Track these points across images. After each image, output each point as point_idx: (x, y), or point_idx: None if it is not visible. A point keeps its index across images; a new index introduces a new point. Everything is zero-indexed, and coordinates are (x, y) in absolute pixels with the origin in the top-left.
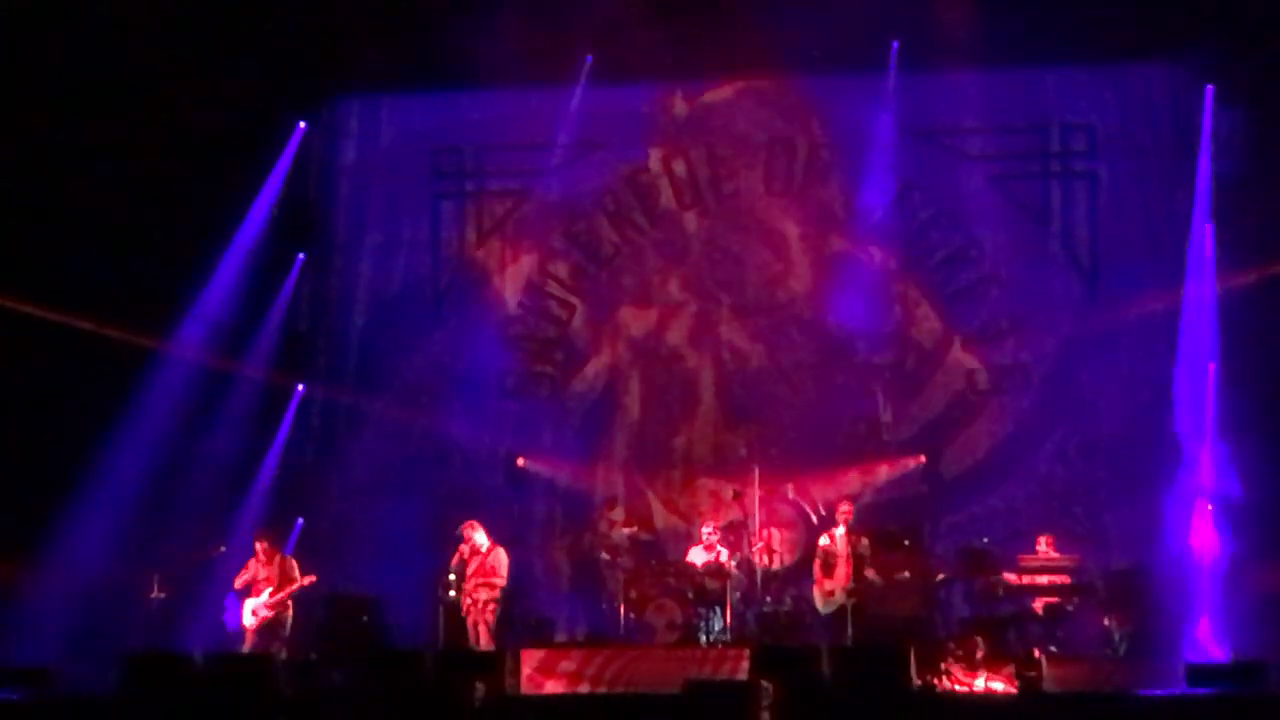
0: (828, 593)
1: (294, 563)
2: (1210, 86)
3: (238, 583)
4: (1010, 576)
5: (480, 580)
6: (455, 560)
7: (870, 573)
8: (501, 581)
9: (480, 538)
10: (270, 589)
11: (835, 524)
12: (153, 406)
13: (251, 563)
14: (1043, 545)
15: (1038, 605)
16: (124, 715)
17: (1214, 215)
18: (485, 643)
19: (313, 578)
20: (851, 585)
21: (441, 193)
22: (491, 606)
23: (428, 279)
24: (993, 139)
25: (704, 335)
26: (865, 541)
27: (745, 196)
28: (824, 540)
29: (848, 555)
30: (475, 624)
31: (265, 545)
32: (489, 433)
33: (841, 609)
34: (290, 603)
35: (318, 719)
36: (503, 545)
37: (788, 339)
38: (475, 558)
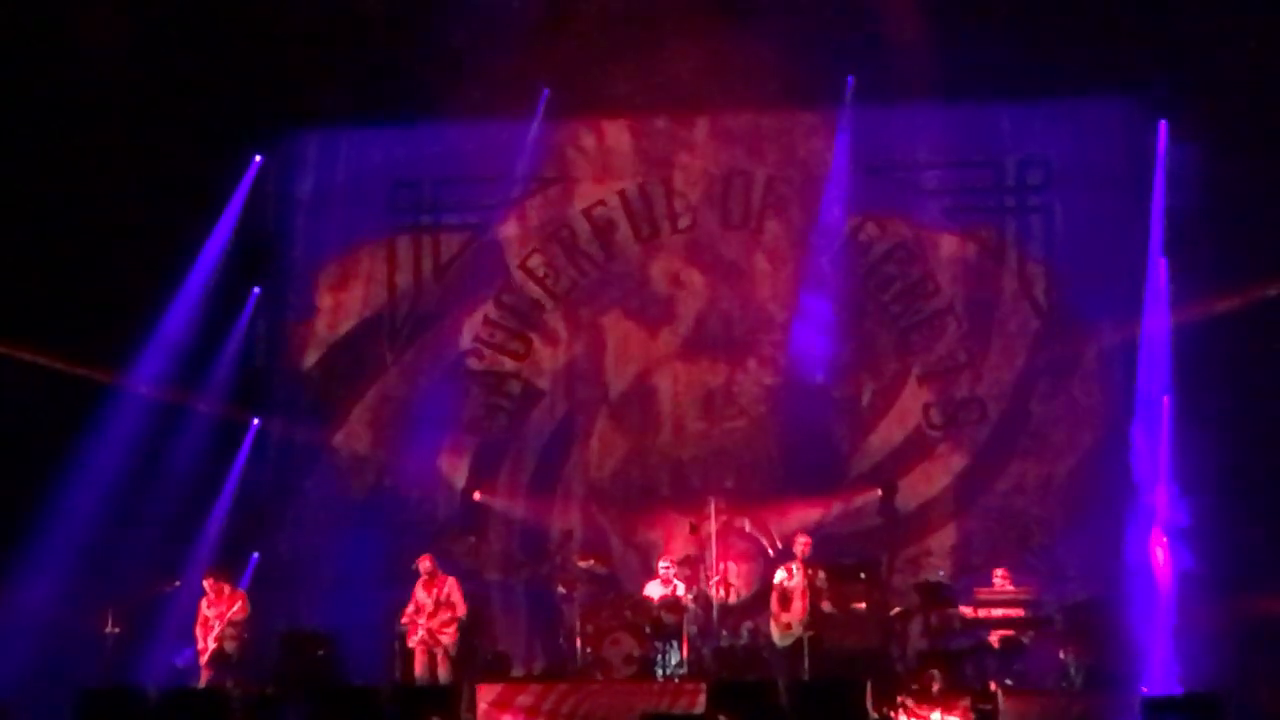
0: (784, 626)
1: (243, 597)
2: (1164, 121)
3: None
4: (966, 610)
5: (442, 617)
6: (416, 590)
7: (826, 605)
8: (461, 610)
9: (433, 568)
10: (220, 624)
11: (792, 557)
12: (107, 441)
13: (202, 602)
14: (999, 578)
15: (994, 638)
16: None
17: (1168, 249)
18: (445, 675)
19: (241, 613)
20: (808, 618)
21: (398, 226)
22: (452, 637)
23: (384, 312)
24: (949, 173)
25: (661, 368)
26: (822, 575)
27: (702, 230)
28: (780, 573)
29: (804, 588)
30: (433, 656)
31: (213, 583)
32: (446, 467)
33: (798, 642)
34: (243, 636)
35: None
36: (460, 579)
37: (745, 372)
38: (431, 589)
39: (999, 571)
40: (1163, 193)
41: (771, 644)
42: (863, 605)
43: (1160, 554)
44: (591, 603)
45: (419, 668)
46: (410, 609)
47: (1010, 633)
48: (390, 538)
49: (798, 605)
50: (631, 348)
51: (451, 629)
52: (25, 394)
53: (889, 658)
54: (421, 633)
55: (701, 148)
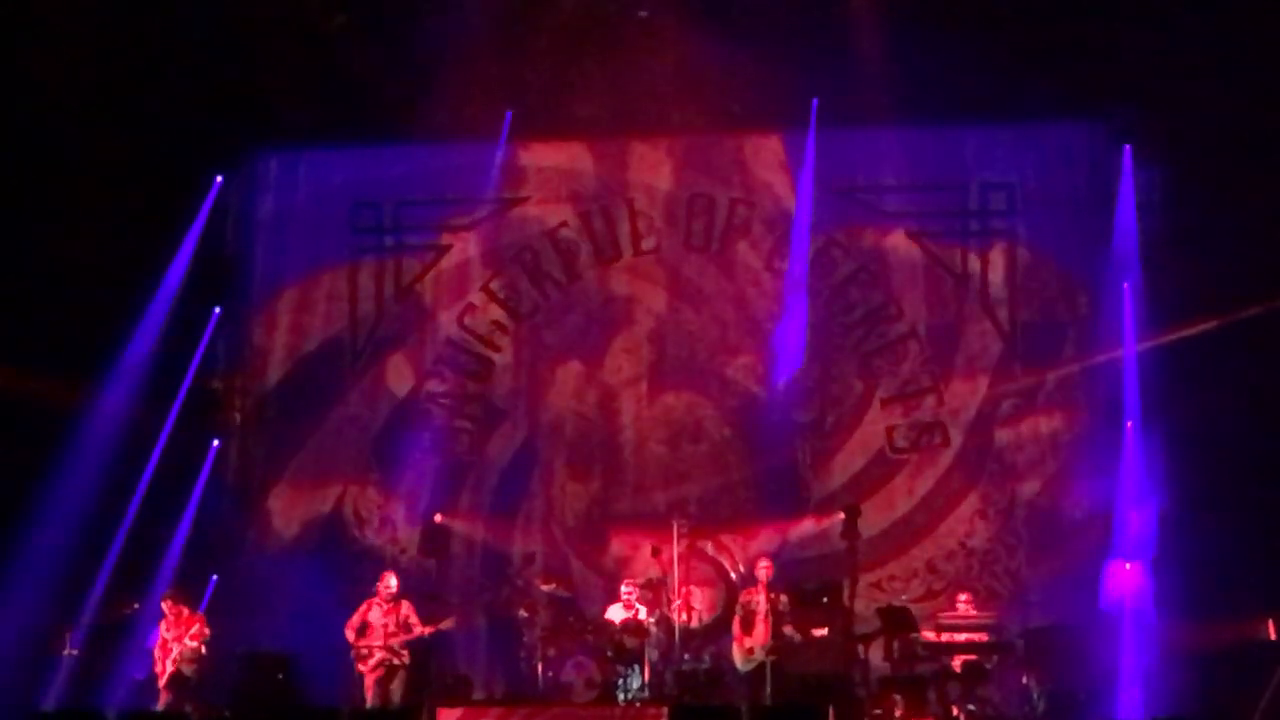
0: (747, 650)
1: (201, 619)
2: (1128, 146)
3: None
4: (929, 634)
5: (402, 638)
6: (368, 610)
7: (789, 630)
8: (419, 631)
9: (397, 588)
10: (177, 646)
11: (755, 581)
12: (64, 462)
13: (161, 624)
14: (962, 603)
15: (956, 663)
16: None
17: (1133, 274)
18: (399, 695)
19: (200, 635)
20: (770, 643)
21: (360, 247)
22: (407, 657)
23: (345, 334)
24: (912, 196)
25: (624, 391)
26: (784, 599)
27: (665, 253)
28: (743, 598)
29: (767, 613)
30: (388, 677)
31: (171, 605)
32: (407, 489)
33: (761, 667)
34: (202, 659)
35: None
36: (421, 601)
37: (708, 395)
38: (391, 613)
39: (962, 596)
40: (1129, 217)
41: (734, 668)
42: (825, 630)
43: (1126, 578)
44: (553, 626)
45: (373, 691)
46: (351, 635)
47: (973, 658)
48: (350, 560)
49: (760, 629)
50: (594, 370)
51: (407, 651)
52: None
53: (851, 683)
54: (379, 654)
55: (664, 169)
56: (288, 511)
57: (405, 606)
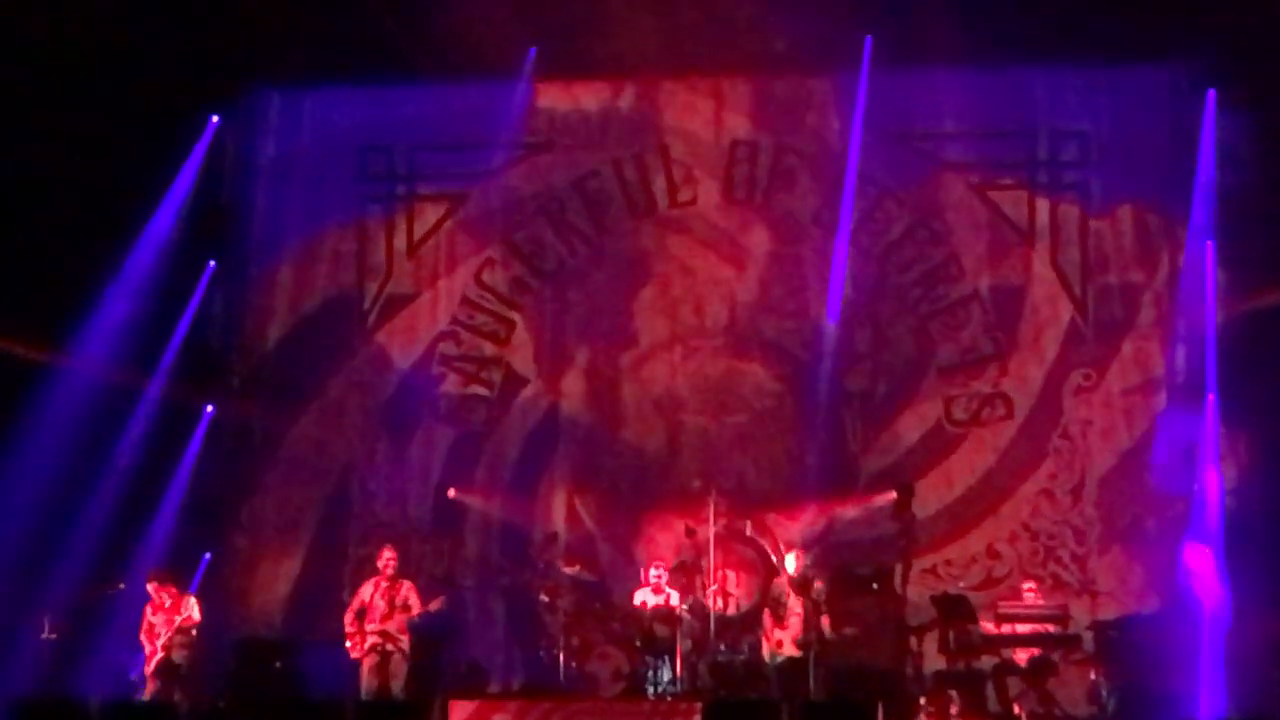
0: (776, 644)
1: (193, 601)
2: (1212, 91)
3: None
4: (988, 626)
5: (399, 620)
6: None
7: (826, 624)
8: (417, 610)
9: (397, 565)
10: (166, 631)
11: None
12: (45, 427)
13: (147, 608)
14: (1028, 592)
15: (1019, 657)
16: None
17: (1216, 232)
18: (400, 684)
19: (191, 619)
20: (803, 637)
21: (369, 196)
22: (406, 642)
23: (352, 291)
24: (975, 145)
25: (656, 356)
26: (819, 586)
27: (703, 205)
28: (774, 586)
29: (802, 602)
30: (385, 662)
31: (158, 586)
32: (418, 461)
33: (799, 660)
34: (193, 645)
35: None
36: (437, 585)
37: (748, 362)
38: (389, 593)
39: (1028, 585)
40: (1210, 170)
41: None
42: (856, 629)
43: (1204, 565)
44: (577, 612)
45: (368, 679)
46: (350, 616)
47: (1036, 651)
48: (355, 538)
49: (794, 622)
50: (625, 333)
51: (405, 635)
52: None
53: (903, 677)
54: (372, 639)
55: (703, 114)
56: (287, 484)
57: (405, 587)
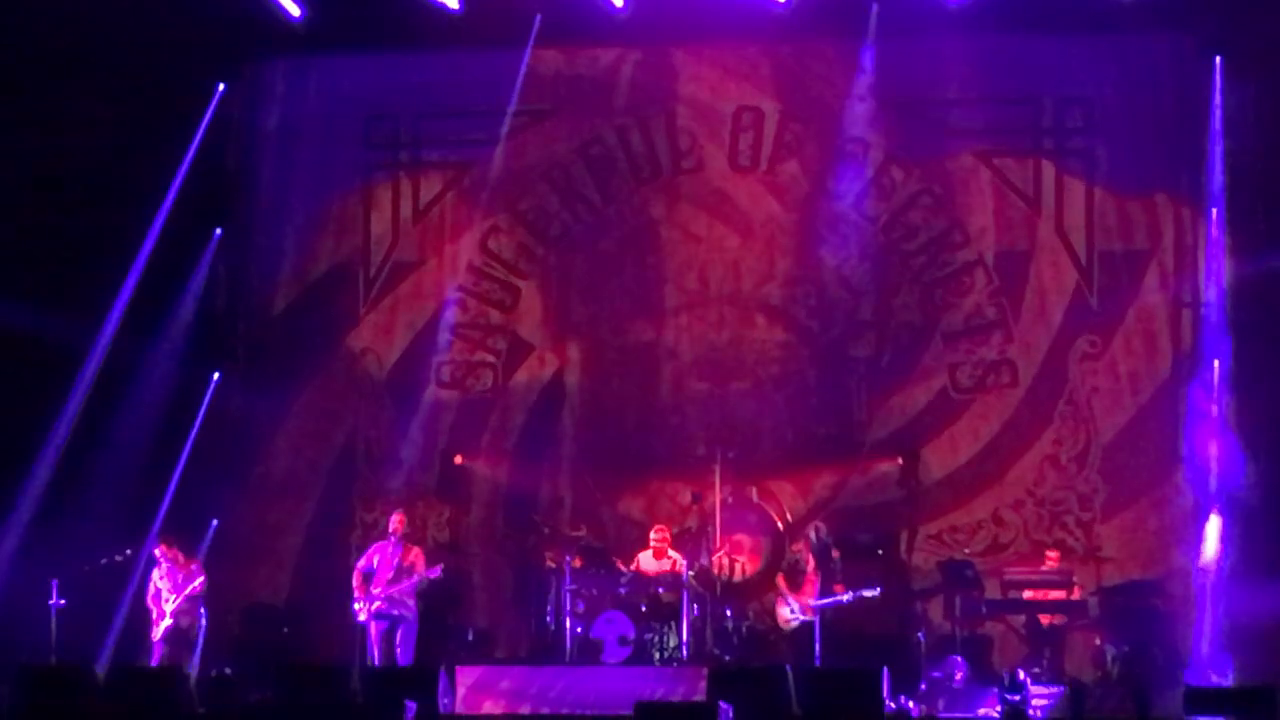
0: (791, 610)
1: (200, 567)
2: (1219, 58)
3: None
4: (994, 592)
5: (404, 584)
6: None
7: (839, 588)
8: (425, 574)
9: (406, 529)
10: (175, 597)
11: (804, 535)
12: (53, 396)
13: (155, 572)
14: (1051, 560)
15: (1024, 623)
16: None
17: (1222, 199)
18: (405, 650)
19: (199, 585)
20: (817, 601)
21: (374, 163)
22: (413, 608)
23: (358, 258)
24: (980, 111)
25: (661, 323)
26: (836, 554)
27: (708, 172)
28: (791, 551)
29: (814, 567)
30: (392, 629)
31: (166, 550)
32: (423, 428)
33: (806, 626)
34: (200, 611)
35: None
36: (439, 551)
37: (753, 328)
38: (396, 557)
39: (1051, 554)
40: (1218, 137)
41: (779, 626)
42: (877, 591)
43: (1211, 533)
44: (583, 578)
45: (375, 645)
46: (358, 577)
47: (1042, 617)
48: (362, 504)
49: (808, 588)
50: (630, 299)
51: (413, 599)
52: None
53: (909, 643)
54: (377, 604)
55: (708, 81)
56: (294, 450)
57: (414, 553)
